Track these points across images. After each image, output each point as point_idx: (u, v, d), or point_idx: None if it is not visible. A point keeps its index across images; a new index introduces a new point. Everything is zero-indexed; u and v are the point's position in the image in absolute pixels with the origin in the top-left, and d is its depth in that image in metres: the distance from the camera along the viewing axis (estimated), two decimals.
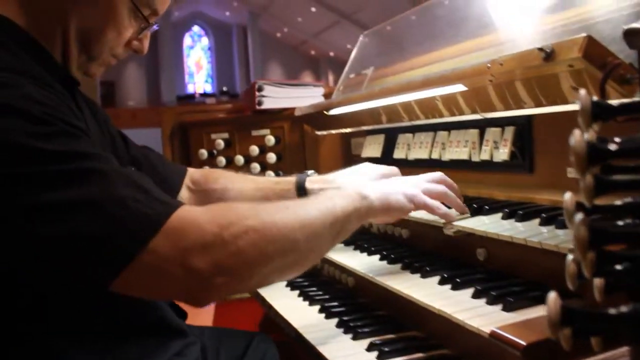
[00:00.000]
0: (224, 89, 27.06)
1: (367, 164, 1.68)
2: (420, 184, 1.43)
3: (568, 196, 0.71)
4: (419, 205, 1.39)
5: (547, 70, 1.13)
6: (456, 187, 1.50)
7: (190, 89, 27.21)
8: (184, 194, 1.67)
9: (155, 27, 1.31)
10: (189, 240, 0.95)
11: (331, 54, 28.19)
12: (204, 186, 1.69)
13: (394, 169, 1.65)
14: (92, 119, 1.36)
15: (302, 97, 2.57)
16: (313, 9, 23.88)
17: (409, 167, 2.03)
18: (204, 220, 0.97)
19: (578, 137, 0.58)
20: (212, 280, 0.96)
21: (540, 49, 1.08)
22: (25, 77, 1.03)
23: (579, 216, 0.59)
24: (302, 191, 1.64)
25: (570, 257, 0.72)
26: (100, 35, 1.20)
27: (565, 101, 1.20)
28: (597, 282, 0.69)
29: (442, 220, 1.47)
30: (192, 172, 1.72)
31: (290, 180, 1.67)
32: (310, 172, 1.71)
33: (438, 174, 1.49)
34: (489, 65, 1.24)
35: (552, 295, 0.59)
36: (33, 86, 1.01)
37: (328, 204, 1.16)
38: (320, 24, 25.00)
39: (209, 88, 27.60)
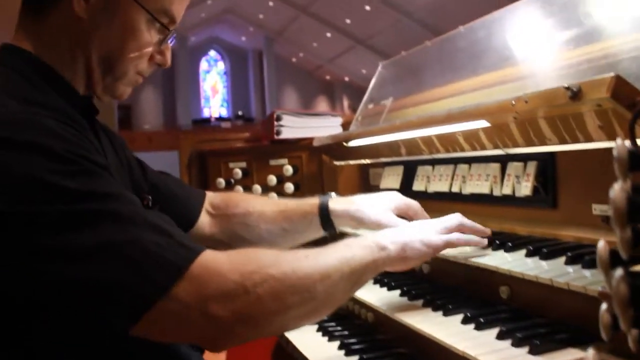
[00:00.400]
0: (240, 113, 27.27)
1: (393, 192, 1.67)
2: (438, 229, 1.41)
3: (602, 245, 0.69)
4: (438, 250, 1.38)
5: (573, 109, 1.12)
6: (478, 227, 1.48)
7: (206, 113, 27.45)
8: (203, 218, 1.65)
9: (173, 39, 1.30)
10: (210, 288, 0.95)
11: (346, 78, 28.34)
12: (224, 211, 1.67)
13: (416, 204, 1.65)
14: (110, 147, 1.37)
15: (321, 126, 2.57)
16: (328, 34, 24.08)
17: (429, 199, 2.01)
18: (227, 268, 0.98)
19: (618, 193, 0.56)
20: (232, 328, 0.97)
21: (567, 88, 1.06)
22: (48, 110, 1.04)
23: (619, 272, 0.57)
24: (325, 211, 1.62)
25: (604, 306, 0.70)
26: (123, 53, 1.20)
27: (590, 139, 1.18)
28: (634, 332, 0.67)
29: (463, 256, 1.45)
30: (211, 196, 1.71)
31: (313, 201, 1.65)
32: (332, 194, 1.71)
33: (456, 218, 1.46)
34: (513, 102, 1.23)
35: (592, 352, 0.57)
36: (55, 121, 1.02)
37: (347, 255, 1.16)
38: (336, 49, 25.19)
39: (224, 112, 27.82)
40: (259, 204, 1.69)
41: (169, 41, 1.28)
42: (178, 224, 1.54)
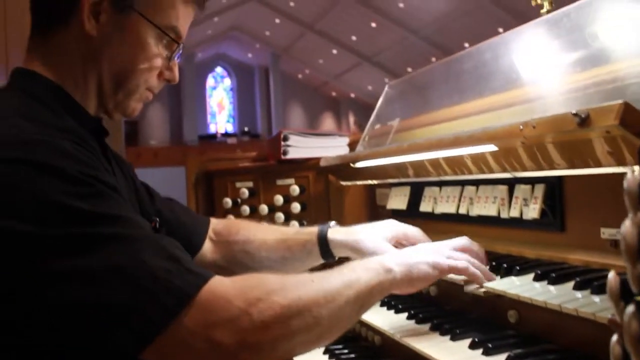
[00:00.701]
0: (246, 129, 27.35)
1: (392, 221, 1.68)
2: (444, 251, 1.41)
3: (612, 276, 0.69)
4: (444, 272, 1.37)
5: (582, 135, 1.12)
6: (482, 255, 1.48)
7: (212, 128, 27.54)
8: (207, 245, 1.68)
9: (179, 54, 1.33)
10: (216, 315, 0.97)
11: (352, 95, 28.42)
12: (226, 237, 1.70)
13: (416, 231, 1.67)
14: (119, 170, 1.38)
15: (327, 146, 2.58)
16: (334, 51, 24.20)
17: (436, 220, 2.01)
18: (232, 294, 0.99)
19: (629, 228, 0.56)
20: (236, 355, 0.97)
21: (575, 114, 1.06)
22: (62, 132, 1.06)
23: (631, 309, 0.57)
24: (324, 241, 1.64)
25: (614, 338, 0.70)
26: (133, 68, 1.24)
27: (599, 164, 1.18)
28: None
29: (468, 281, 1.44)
30: (214, 222, 1.74)
31: (312, 230, 1.67)
32: (332, 223, 1.71)
33: (463, 241, 1.48)
34: (521, 127, 1.23)
35: None
36: (69, 142, 1.03)
37: (352, 278, 1.16)
38: (341, 65, 25.29)
39: (230, 128, 27.90)
40: (260, 232, 1.71)
41: (176, 57, 1.31)
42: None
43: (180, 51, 1.32)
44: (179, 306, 0.95)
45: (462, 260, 1.39)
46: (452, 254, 1.40)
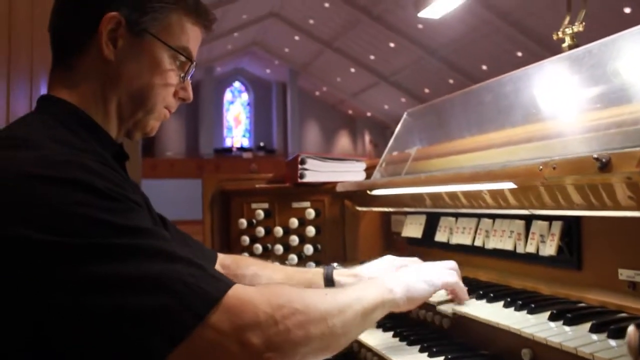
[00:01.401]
0: (261, 144, 27.47)
1: (389, 256, 1.80)
2: (438, 270, 1.56)
3: (632, 330, 0.69)
4: (438, 288, 1.52)
5: (603, 179, 1.11)
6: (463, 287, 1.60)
7: (228, 142, 27.69)
8: None
9: (192, 74, 1.40)
10: (245, 318, 1.03)
11: (368, 114, 28.47)
12: (234, 271, 1.76)
13: (415, 262, 1.76)
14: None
15: (344, 171, 2.58)
16: (352, 70, 24.29)
17: (451, 251, 2.01)
18: (259, 300, 1.06)
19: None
20: (263, 356, 1.03)
21: (597, 159, 1.06)
22: (88, 153, 1.12)
23: None
24: (329, 280, 1.75)
25: None
26: (151, 87, 1.30)
27: (620, 207, 1.17)
28: None
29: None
30: (222, 257, 1.81)
31: (319, 270, 1.79)
32: (335, 264, 1.85)
33: (453, 263, 1.62)
34: (541, 167, 1.23)
35: None
36: (98, 163, 1.09)
37: (359, 295, 1.28)
38: (359, 84, 25.37)
39: (246, 142, 28.04)
40: (268, 269, 1.81)
41: (189, 76, 1.39)
42: None
43: (193, 70, 1.39)
44: (207, 309, 1.00)
45: (453, 276, 1.57)
46: (446, 272, 1.56)
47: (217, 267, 1.76)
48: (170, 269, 1.01)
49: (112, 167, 1.16)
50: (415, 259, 1.79)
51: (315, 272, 1.78)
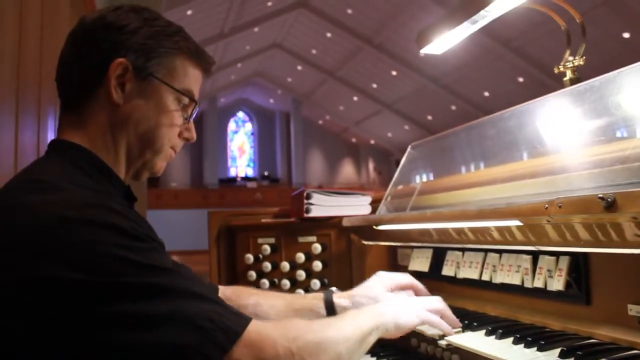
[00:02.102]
0: (265, 173, 27.55)
1: (381, 273, 1.88)
2: (425, 300, 1.65)
3: None
4: (424, 317, 1.58)
5: (609, 219, 1.12)
6: (452, 317, 1.66)
7: (232, 172, 27.79)
8: None
9: (195, 114, 1.46)
10: (266, 352, 1.13)
11: (372, 141, 28.60)
12: (236, 301, 1.77)
13: (407, 278, 1.86)
14: None
15: (350, 205, 2.58)
16: (355, 98, 24.47)
17: (458, 285, 2.00)
18: (276, 334, 1.16)
19: None
20: None
21: (602, 198, 1.07)
22: (107, 195, 1.18)
23: None
24: (329, 304, 1.80)
25: None
26: (158, 129, 1.35)
27: (627, 244, 1.18)
28: None
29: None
30: (223, 288, 1.84)
31: (318, 295, 1.85)
32: (333, 288, 1.89)
33: (438, 301, 1.67)
34: (546, 206, 1.24)
35: None
36: (117, 204, 1.14)
37: (357, 323, 1.39)
38: (362, 112, 25.54)
39: (250, 172, 28.13)
40: (268, 297, 1.85)
41: (192, 115, 1.44)
42: None
43: (196, 111, 1.45)
44: (230, 342, 1.09)
45: (440, 303, 1.65)
46: (432, 305, 1.62)
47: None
48: (198, 307, 1.08)
49: (129, 208, 1.20)
50: (406, 275, 1.87)
51: (314, 297, 1.84)
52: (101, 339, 1.01)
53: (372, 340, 1.42)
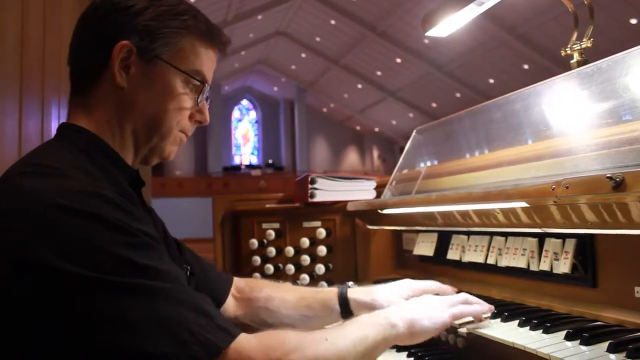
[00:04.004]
0: (270, 161, 27.55)
1: (408, 280, 1.77)
2: (445, 305, 1.48)
3: None
4: (445, 326, 1.45)
5: (617, 198, 1.11)
6: (482, 303, 1.54)
7: (236, 160, 27.79)
8: (229, 301, 1.76)
9: (207, 96, 1.41)
10: None
11: (376, 129, 28.54)
12: (248, 294, 1.77)
13: (434, 286, 1.74)
14: (152, 222, 1.42)
15: (354, 190, 2.58)
16: (359, 86, 24.39)
17: (463, 269, 2.00)
18: (256, 353, 1.07)
19: None
20: None
21: (610, 178, 1.06)
22: (108, 183, 1.15)
23: None
24: (344, 301, 1.73)
25: None
26: (164, 112, 1.31)
27: (635, 226, 1.16)
28: None
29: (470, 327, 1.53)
30: (237, 280, 1.82)
31: (333, 290, 1.77)
32: (350, 283, 1.82)
33: (462, 296, 1.54)
34: (553, 187, 1.22)
35: None
36: (114, 194, 1.11)
37: (361, 335, 1.26)
38: (366, 100, 25.47)
39: (254, 160, 28.13)
40: (281, 290, 1.80)
41: (204, 98, 1.39)
42: None
43: (207, 93, 1.40)
44: (209, 358, 1.01)
45: (460, 310, 1.49)
46: (454, 310, 1.48)
47: (232, 290, 1.78)
48: (178, 315, 1.02)
49: (130, 197, 1.19)
50: (435, 283, 1.75)
51: (329, 292, 1.76)
52: (71, 331, 0.99)
53: (379, 353, 1.31)
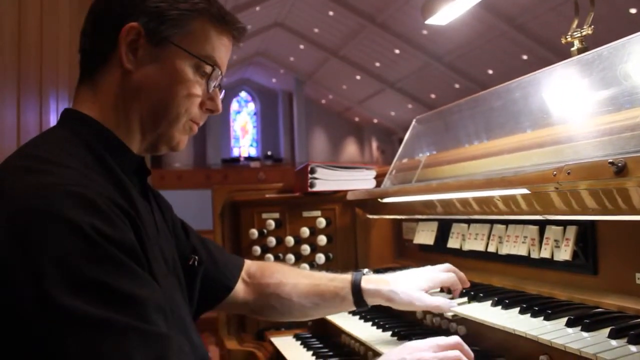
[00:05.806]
0: (269, 153, 27.51)
1: (427, 269, 1.73)
2: (435, 348, 1.33)
3: None
4: None
5: (618, 184, 1.10)
6: (472, 356, 1.37)
7: (235, 152, 27.75)
8: (239, 285, 1.70)
9: (220, 85, 1.35)
10: None
11: (375, 120, 28.48)
12: (259, 280, 1.72)
13: (452, 279, 1.71)
14: (157, 208, 1.42)
15: (354, 179, 2.57)
16: (358, 77, 24.31)
17: (463, 257, 2.00)
18: None
19: None
20: None
21: (612, 163, 1.05)
22: (102, 173, 1.11)
23: None
24: (357, 290, 1.67)
25: None
26: (172, 98, 1.25)
27: (635, 212, 1.16)
28: None
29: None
30: (249, 264, 1.76)
31: (346, 278, 1.70)
32: (365, 270, 1.76)
33: (454, 339, 1.36)
34: (554, 172, 1.22)
35: None
36: (99, 194, 1.02)
37: None
38: (365, 91, 25.39)
39: (253, 152, 28.09)
40: (293, 276, 1.74)
41: (215, 86, 1.33)
42: (215, 289, 1.57)
43: (218, 80, 1.33)
44: None
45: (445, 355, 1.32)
46: (444, 354, 1.32)
47: (243, 274, 1.72)
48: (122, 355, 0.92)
49: (122, 185, 1.14)
50: (452, 276, 1.71)
51: (342, 280, 1.70)
52: (21, 341, 0.91)
53: None
